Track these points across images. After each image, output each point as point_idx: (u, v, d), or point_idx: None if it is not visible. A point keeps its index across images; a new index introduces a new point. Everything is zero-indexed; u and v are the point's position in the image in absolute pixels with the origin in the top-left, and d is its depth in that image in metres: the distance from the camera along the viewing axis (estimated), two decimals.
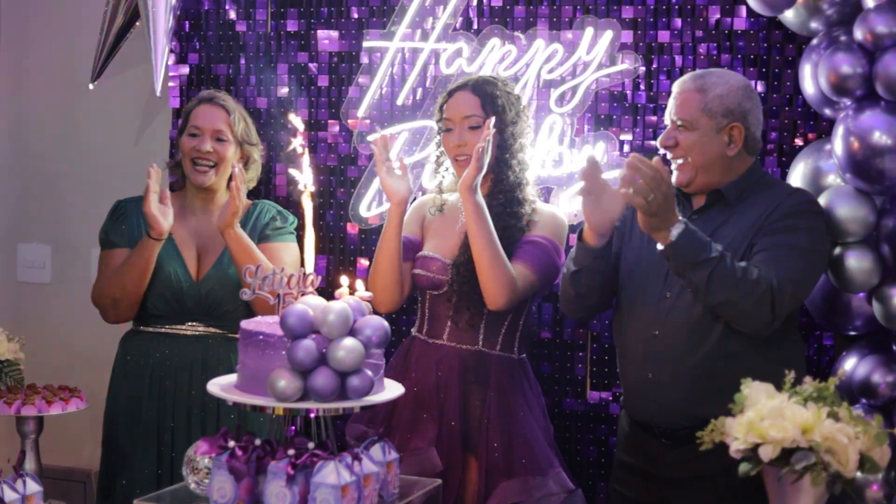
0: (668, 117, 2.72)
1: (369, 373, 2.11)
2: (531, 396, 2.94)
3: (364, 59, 3.53)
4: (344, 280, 2.25)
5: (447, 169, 3.03)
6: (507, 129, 2.92)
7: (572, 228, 3.31)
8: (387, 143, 2.88)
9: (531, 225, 2.92)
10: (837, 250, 2.85)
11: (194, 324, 3.10)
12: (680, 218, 2.49)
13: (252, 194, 3.30)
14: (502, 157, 2.91)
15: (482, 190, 2.88)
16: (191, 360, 3.07)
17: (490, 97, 2.91)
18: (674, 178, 2.66)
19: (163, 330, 3.11)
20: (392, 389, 2.25)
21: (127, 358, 3.14)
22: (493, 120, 2.81)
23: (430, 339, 2.95)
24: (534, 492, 2.80)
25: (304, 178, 2.33)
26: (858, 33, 2.75)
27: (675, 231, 2.46)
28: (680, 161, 2.68)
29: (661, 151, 2.76)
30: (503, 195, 2.91)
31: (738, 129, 2.66)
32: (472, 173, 2.76)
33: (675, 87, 2.73)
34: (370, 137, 3.47)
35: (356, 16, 3.56)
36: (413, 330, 3.04)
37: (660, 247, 2.51)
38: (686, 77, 2.74)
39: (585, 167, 2.60)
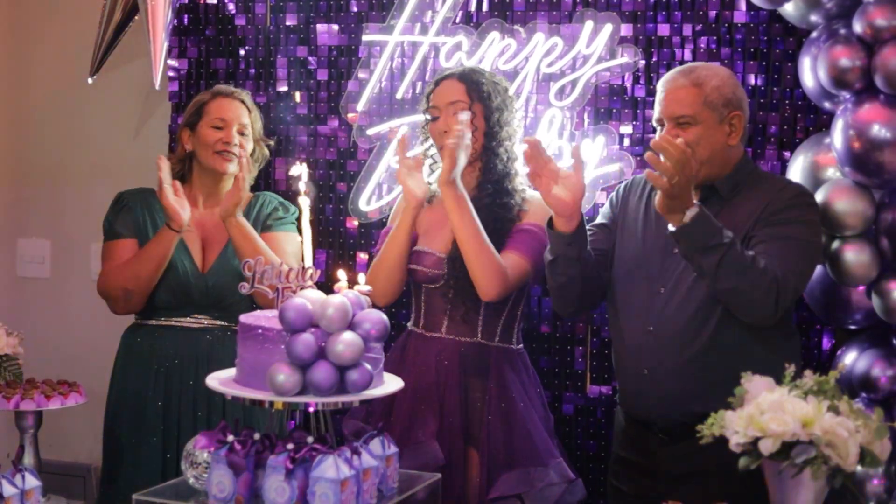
0: (661, 116, 2.68)
1: (368, 367, 2.11)
2: (530, 387, 2.93)
3: (363, 53, 3.53)
4: (343, 274, 2.24)
5: (435, 162, 3.01)
6: (493, 116, 2.89)
7: None
8: (406, 144, 2.87)
9: (522, 214, 2.90)
10: (836, 244, 2.85)
11: (199, 316, 3.10)
12: (695, 202, 2.46)
13: (252, 187, 3.30)
14: (489, 145, 2.89)
15: (471, 181, 2.88)
16: (196, 352, 3.06)
17: (475, 84, 2.89)
18: None
19: (167, 323, 3.10)
20: (391, 383, 2.24)
21: (130, 351, 3.13)
22: (466, 115, 2.78)
23: (427, 332, 2.93)
24: (535, 483, 2.79)
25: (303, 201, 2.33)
26: (858, 26, 2.75)
27: (690, 213, 2.43)
28: None
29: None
30: (492, 185, 2.89)
31: (738, 116, 2.66)
32: (447, 167, 2.72)
33: (664, 85, 2.70)
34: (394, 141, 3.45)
35: (355, 9, 3.55)
36: (409, 324, 3.02)
37: (671, 228, 2.47)
38: (672, 75, 2.71)
39: (526, 150, 2.58)
